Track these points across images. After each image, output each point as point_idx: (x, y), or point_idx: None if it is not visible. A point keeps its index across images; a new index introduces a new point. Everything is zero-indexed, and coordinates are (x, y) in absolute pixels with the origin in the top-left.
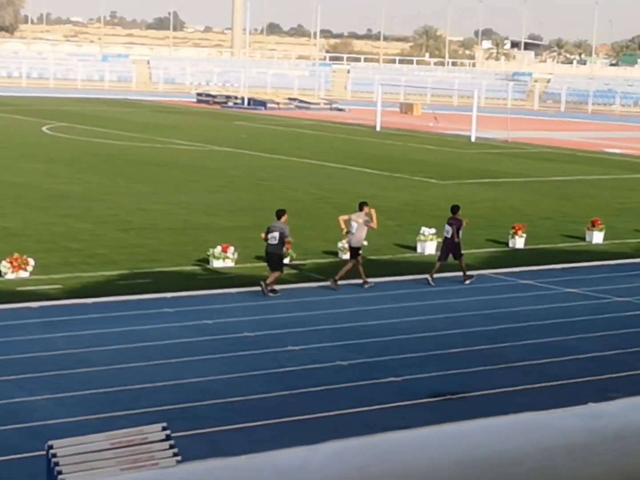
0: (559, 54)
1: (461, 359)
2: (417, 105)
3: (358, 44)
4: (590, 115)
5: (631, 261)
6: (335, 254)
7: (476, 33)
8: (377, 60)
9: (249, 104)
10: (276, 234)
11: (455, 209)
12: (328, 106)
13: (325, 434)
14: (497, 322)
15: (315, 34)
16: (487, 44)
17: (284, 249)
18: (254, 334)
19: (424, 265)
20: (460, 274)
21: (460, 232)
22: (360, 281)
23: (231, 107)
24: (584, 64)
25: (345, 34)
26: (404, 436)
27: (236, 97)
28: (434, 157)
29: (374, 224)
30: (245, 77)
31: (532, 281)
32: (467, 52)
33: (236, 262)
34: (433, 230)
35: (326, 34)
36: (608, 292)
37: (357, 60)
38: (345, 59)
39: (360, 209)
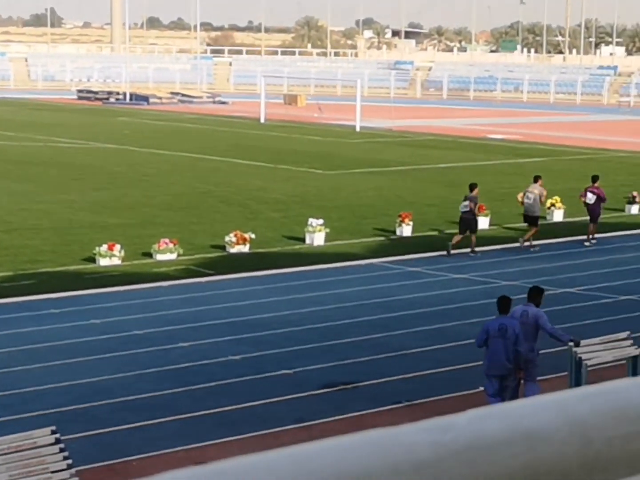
0: (440, 41)
1: (353, 349)
2: (301, 96)
3: (239, 36)
4: (472, 102)
5: (516, 245)
6: (223, 247)
7: (357, 23)
8: (259, 52)
9: (131, 99)
10: (467, 202)
11: (595, 178)
12: (211, 99)
13: (220, 429)
14: (388, 310)
15: (195, 27)
16: (368, 33)
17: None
18: (143, 331)
19: (313, 257)
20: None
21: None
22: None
23: (113, 103)
24: (465, 51)
25: (226, 26)
26: (248, 462)
27: (118, 93)
28: (319, 147)
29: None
30: (126, 72)
31: (420, 268)
32: (349, 41)
33: (123, 260)
34: (320, 221)
35: (207, 26)
36: (496, 276)
37: (239, 52)
38: (226, 51)
39: (535, 181)
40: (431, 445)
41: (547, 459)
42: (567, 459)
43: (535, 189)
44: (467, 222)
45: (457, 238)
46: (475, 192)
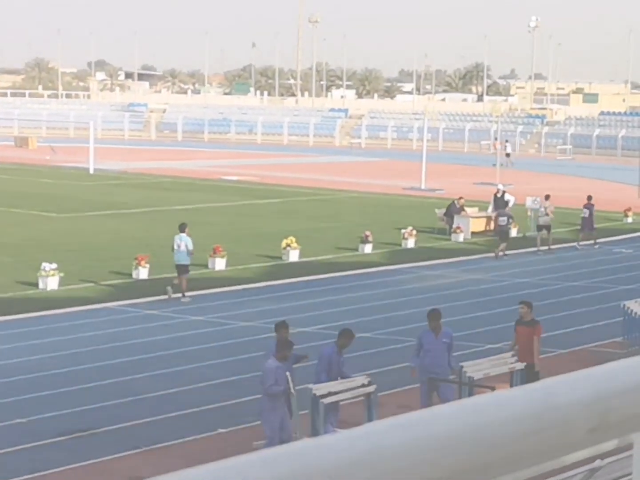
0: (174, 83)
1: (91, 394)
2: (32, 138)
3: None
4: (207, 143)
5: (254, 285)
6: None
7: (89, 64)
8: None
9: None
10: (505, 218)
11: (589, 197)
12: None
13: None
14: (126, 354)
15: None
16: (101, 75)
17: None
18: None
19: (47, 301)
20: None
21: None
22: None
23: None
24: (199, 93)
25: None
26: None
27: None
28: (52, 190)
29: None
30: None
31: (157, 311)
32: (82, 83)
33: None
34: (54, 265)
35: None
36: (233, 317)
37: None
38: None
39: (546, 199)
40: None
41: None
42: None
43: (546, 204)
44: (506, 233)
45: (501, 246)
46: (507, 209)
